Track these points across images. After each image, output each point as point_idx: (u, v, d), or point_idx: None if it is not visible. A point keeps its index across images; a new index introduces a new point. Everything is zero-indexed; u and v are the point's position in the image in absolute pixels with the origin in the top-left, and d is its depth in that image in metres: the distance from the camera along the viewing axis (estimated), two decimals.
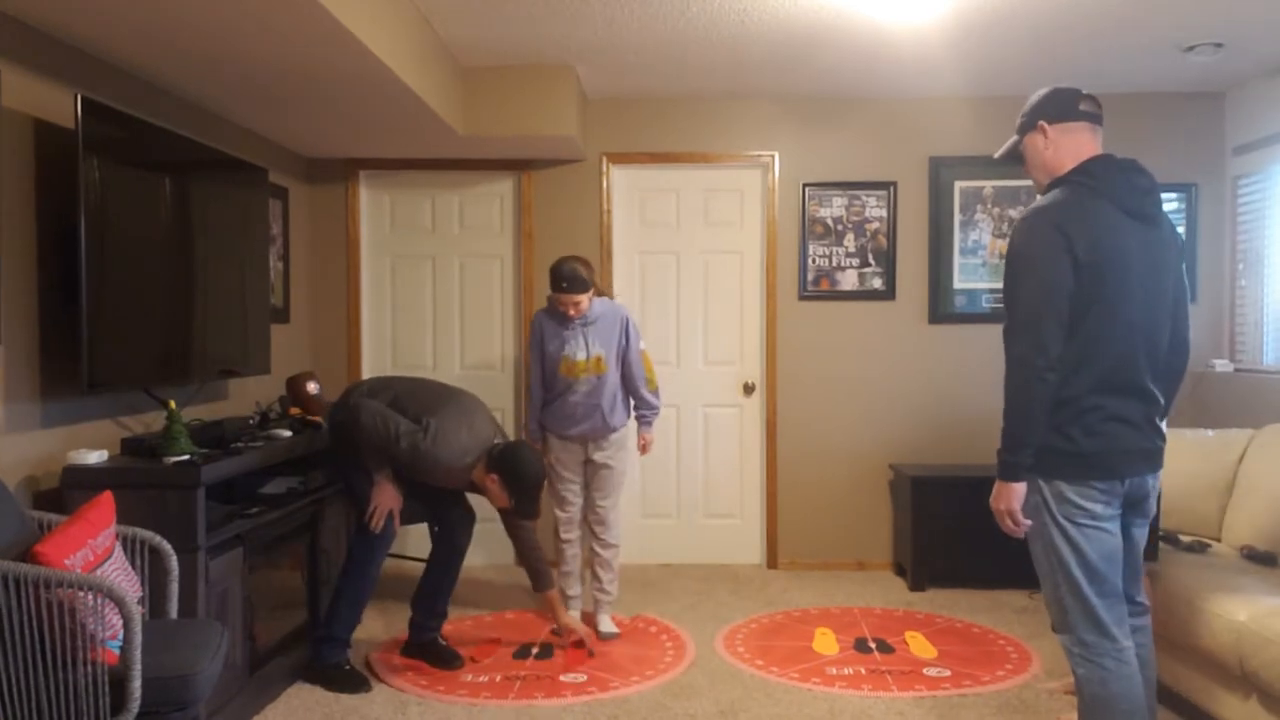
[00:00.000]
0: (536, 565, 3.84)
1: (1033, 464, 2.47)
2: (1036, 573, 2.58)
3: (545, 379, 4.21)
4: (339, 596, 3.71)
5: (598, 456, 4.19)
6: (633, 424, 4.31)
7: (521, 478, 3.58)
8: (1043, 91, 2.63)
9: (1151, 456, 2.51)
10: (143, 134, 3.35)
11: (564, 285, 4.01)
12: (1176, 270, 2.57)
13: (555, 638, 4.19)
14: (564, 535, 4.24)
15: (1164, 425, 2.56)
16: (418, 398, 3.67)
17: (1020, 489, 2.48)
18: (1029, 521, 2.51)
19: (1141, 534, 2.63)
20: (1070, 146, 2.56)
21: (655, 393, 4.27)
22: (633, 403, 4.28)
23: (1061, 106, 2.58)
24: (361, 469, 3.68)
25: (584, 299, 4.05)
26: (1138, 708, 2.48)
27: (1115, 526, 2.49)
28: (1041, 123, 2.59)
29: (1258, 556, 3.41)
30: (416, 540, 5.28)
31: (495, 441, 3.69)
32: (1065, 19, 3.99)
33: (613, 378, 4.14)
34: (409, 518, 3.99)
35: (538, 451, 3.74)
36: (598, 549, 4.24)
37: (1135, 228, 2.47)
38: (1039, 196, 2.59)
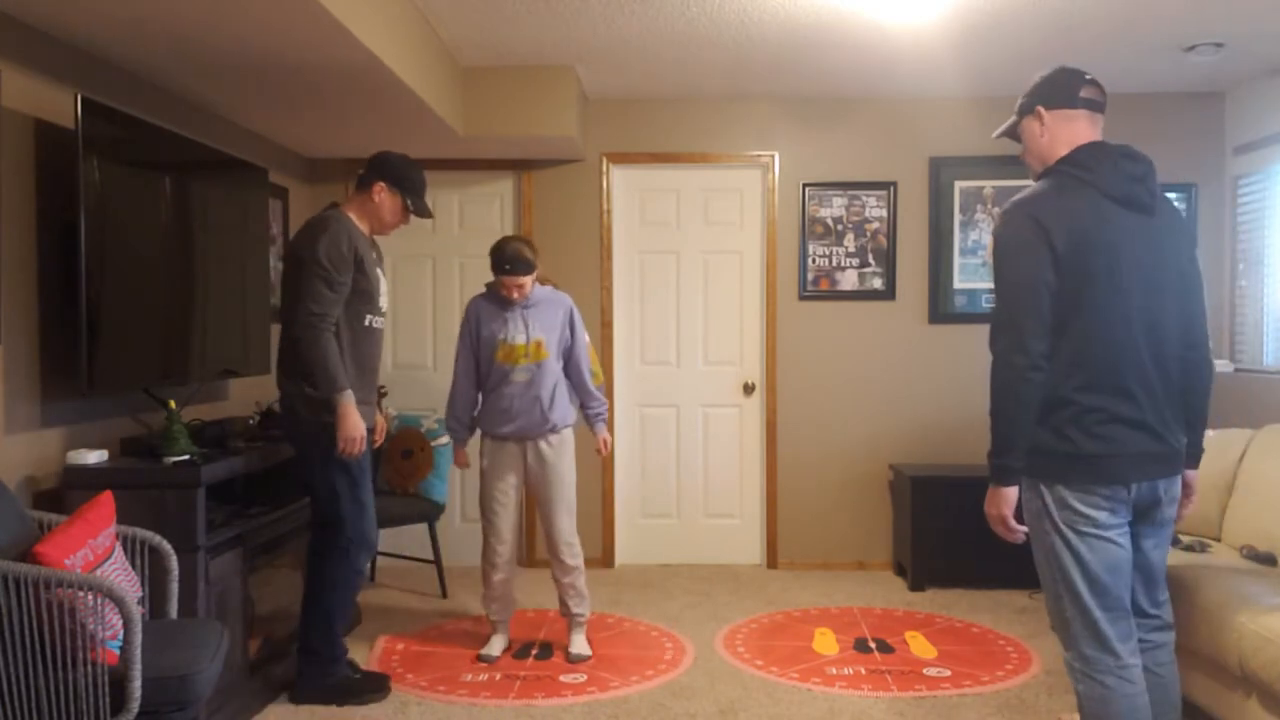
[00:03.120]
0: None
1: (1024, 467, 2.36)
2: (1040, 581, 2.50)
3: (480, 371, 3.88)
4: (329, 617, 3.43)
5: (537, 458, 3.84)
6: (581, 429, 4.02)
7: (400, 165, 3.50)
8: (1045, 72, 2.49)
9: (1163, 460, 2.36)
10: (143, 134, 3.35)
11: (506, 267, 3.74)
12: (1184, 260, 2.42)
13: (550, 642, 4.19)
14: (491, 557, 3.87)
15: (1198, 425, 2.44)
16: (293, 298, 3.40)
17: (1012, 493, 2.37)
18: (1024, 528, 2.39)
19: (1154, 545, 2.46)
20: (1065, 135, 2.43)
21: (600, 388, 4.00)
22: (579, 402, 3.99)
23: (1062, 91, 2.44)
24: (319, 453, 3.36)
25: (528, 281, 3.78)
26: None
27: (1123, 536, 2.36)
28: (1039, 107, 2.46)
29: (1258, 556, 3.41)
30: (416, 540, 5.27)
31: (330, 205, 3.53)
32: (1065, 19, 3.99)
33: (554, 368, 3.84)
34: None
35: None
36: (559, 575, 3.89)
37: (1127, 217, 2.34)
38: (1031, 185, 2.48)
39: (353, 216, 3.51)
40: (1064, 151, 2.43)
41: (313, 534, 3.48)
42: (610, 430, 5.32)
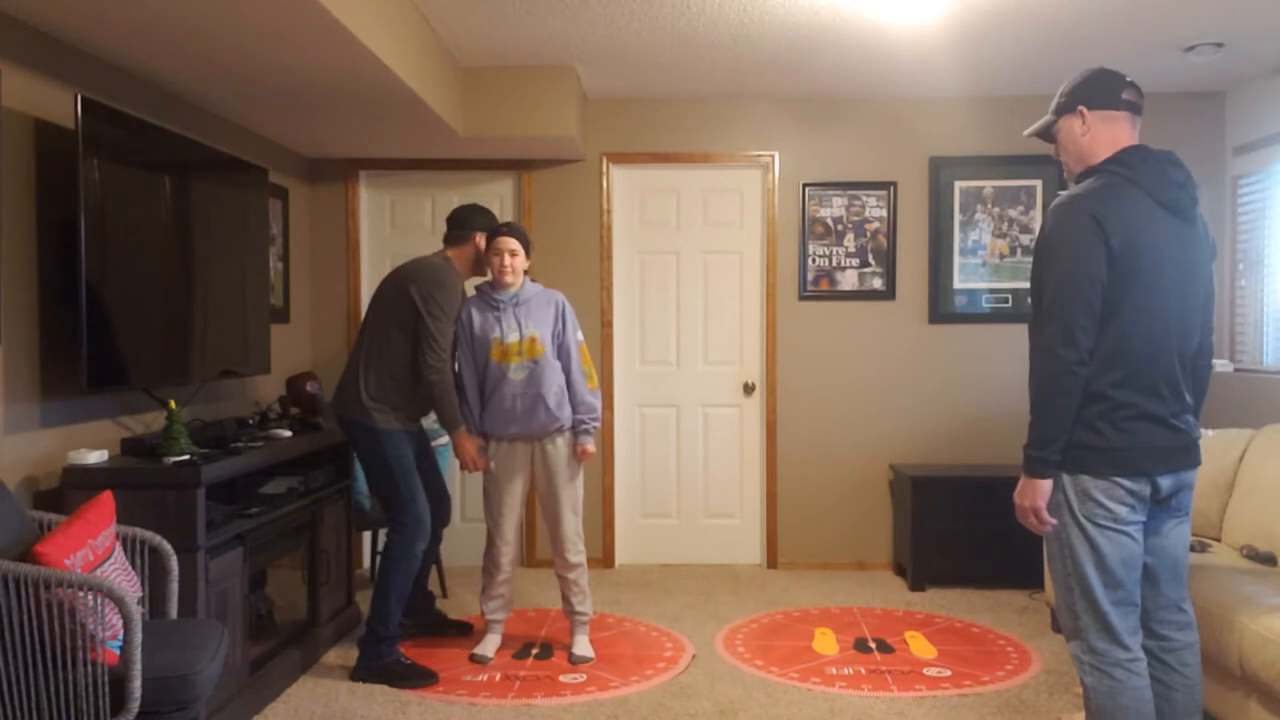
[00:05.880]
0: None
1: (1060, 460, 2.38)
2: (1050, 574, 2.51)
3: (478, 375, 3.85)
4: (386, 595, 3.74)
5: (545, 457, 3.84)
6: None
7: (483, 216, 3.95)
8: (1086, 72, 2.49)
9: (1185, 451, 2.42)
10: (143, 134, 3.35)
11: (504, 228, 3.83)
12: (1207, 270, 2.48)
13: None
14: (495, 556, 3.88)
15: (1196, 422, 2.49)
16: (382, 320, 3.84)
17: (1046, 486, 2.40)
18: (1054, 520, 2.42)
19: (1181, 533, 2.51)
20: (1107, 136, 2.45)
21: (595, 393, 3.89)
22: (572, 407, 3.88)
23: (1105, 92, 2.45)
24: (385, 462, 3.78)
25: (520, 252, 3.82)
26: None
27: (1138, 532, 2.40)
28: (1081, 107, 2.46)
29: (1258, 556, 3.41)
30: None
31: (438, 252, 3.97)
32: (1065, 19, 3.99)
33: (554, 365, 3.80)
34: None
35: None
36: (563, 571, 3.89)
37: (1170, 221, 2.38)
38: (1070, 183, 2.51)
39: (456, 265, 3.94)
40: (1106, 153, 2.45)
41: (389, 527, 3.85)
42: (610, 432, 5.33)
